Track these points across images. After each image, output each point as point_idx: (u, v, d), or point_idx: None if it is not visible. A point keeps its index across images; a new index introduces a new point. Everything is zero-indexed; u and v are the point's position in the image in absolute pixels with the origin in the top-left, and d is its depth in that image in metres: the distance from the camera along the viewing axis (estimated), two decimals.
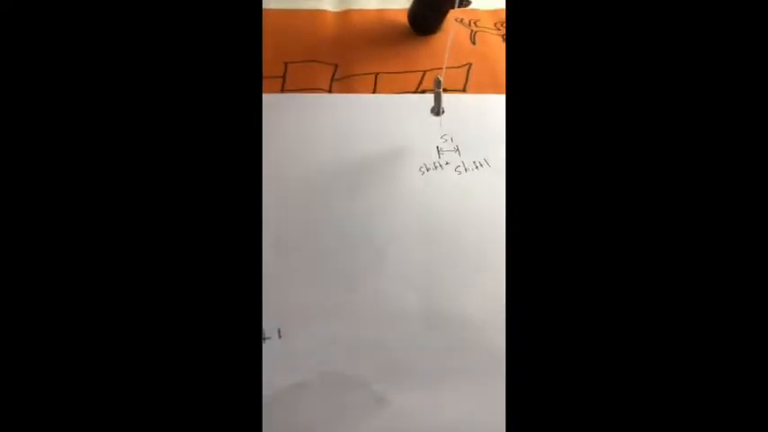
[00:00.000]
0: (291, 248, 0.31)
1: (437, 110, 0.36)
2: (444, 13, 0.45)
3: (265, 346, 0.26)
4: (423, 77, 0.42)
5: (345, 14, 0.49)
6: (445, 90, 0.41)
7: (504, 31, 0.47)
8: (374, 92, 0.41)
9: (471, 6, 0.48)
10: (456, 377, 0.25)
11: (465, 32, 0.47)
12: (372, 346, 0.27)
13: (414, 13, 0.45)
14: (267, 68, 0.42)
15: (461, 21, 0.48)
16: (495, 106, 0.40)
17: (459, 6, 0.43)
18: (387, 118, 0.39)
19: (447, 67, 0.43)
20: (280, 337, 0.26)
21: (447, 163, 0.36)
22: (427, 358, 0.26)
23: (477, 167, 0.36)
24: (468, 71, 0.43)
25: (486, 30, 0.47)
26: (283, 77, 0.42)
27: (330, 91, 0.42)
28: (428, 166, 0.36)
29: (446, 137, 0.38)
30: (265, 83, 0.41)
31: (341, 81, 0.42)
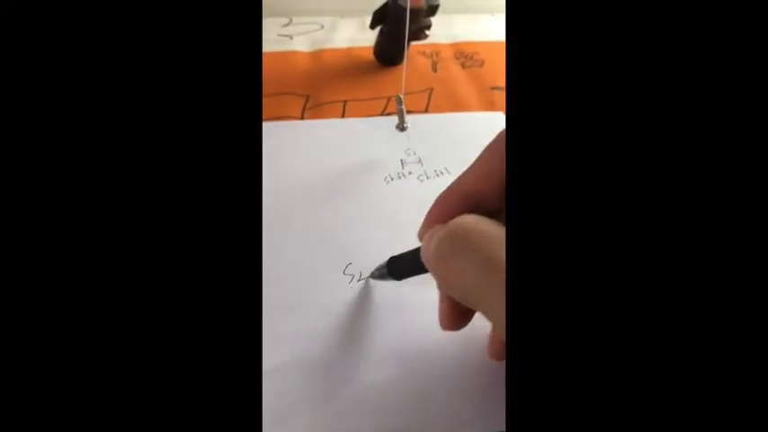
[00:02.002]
0: (269, 250, 0.32)
1: (401, 125, 0.39)
2: (406, 45, 0.48)
3: None
4: (387, 102, 0.46)
5: (317, 54, 0.53)
6: (409, 111, 0.44)
7: (462, 60, 0.51)
8: (343, 117, 0.44)
9: (433, 41, 0.53)
10: (420, 353, 0.27)
11: (427, 62, 0.50)
12: (340, 333, 0.28)
13: (379, 47, 0.49)
14: None
15: (424, 53, 0.52)
16: (454, 122, 0.42)
17: (414, 40, 0.47)
18: (354, 138, 0.41)
19: (410, 93, 0.46)
20: None
21: (410, 173, 0.38)
22: (393, 341, 0.27)
23: (438, 175, 0.38)
24: (430, 95, 0.46)
25: (447, 60, 0.51)
26: None
27: (302, 119, 0.45)
28: (392, 176, 0.38)
29: (409, 150, 0.40)
30: None
31: (312, 110, 0.45)
